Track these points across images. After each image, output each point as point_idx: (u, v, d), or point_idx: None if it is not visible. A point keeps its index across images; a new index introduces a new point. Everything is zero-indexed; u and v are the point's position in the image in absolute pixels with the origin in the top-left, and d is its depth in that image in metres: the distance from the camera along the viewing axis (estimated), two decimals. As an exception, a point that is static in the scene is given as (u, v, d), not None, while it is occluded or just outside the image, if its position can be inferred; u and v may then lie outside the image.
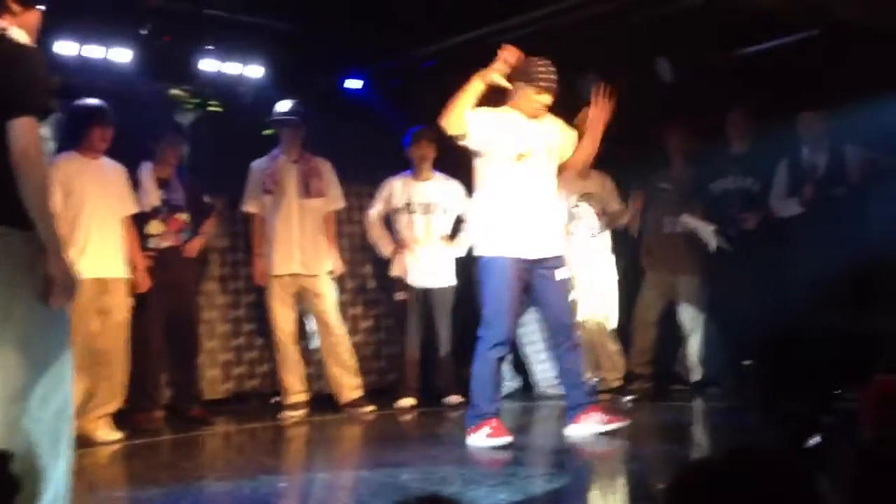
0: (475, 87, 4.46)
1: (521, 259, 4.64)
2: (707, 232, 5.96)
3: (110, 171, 5.24)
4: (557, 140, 4.76)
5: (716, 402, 5.94)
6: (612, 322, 6.25)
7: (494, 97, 4.66)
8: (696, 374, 6.28)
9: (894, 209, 5.04)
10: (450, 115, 4.50)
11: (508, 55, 4.46)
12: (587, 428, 4.73)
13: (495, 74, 4.47)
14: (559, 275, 4.72)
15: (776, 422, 3.85)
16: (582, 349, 5.04)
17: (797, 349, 4.59)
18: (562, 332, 4.78)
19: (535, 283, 4.74)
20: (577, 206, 6.17)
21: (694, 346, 6.28)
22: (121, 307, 5.16)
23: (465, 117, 4.51)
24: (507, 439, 4.60)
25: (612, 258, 6.32)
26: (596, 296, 6.21)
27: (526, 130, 4.66)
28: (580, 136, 4.78)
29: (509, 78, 4.54)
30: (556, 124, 4.79)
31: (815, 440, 3.15)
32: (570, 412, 4.81)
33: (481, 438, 4.60)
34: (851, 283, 5.08)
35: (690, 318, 6.28)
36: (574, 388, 4.81)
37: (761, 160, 5.85)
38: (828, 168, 5.58)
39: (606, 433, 4.70)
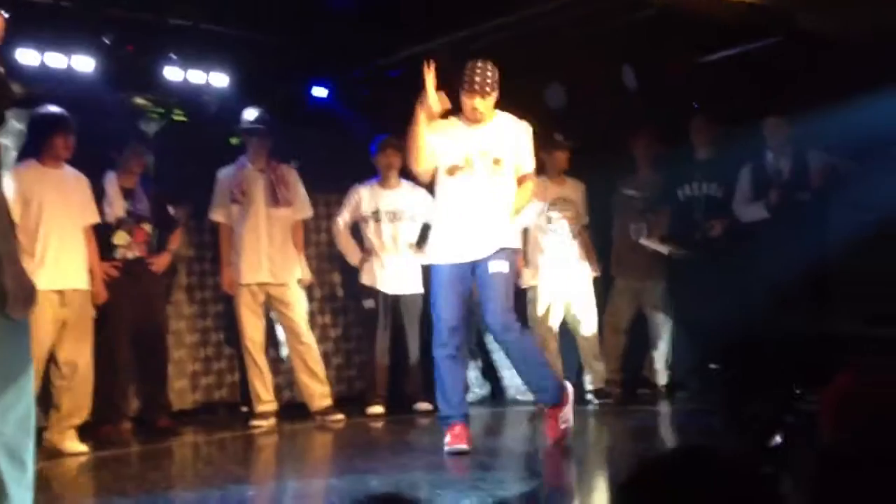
0: (422, 121, 4.46)
1: (457, 265, 4.59)
2: (664, 252, 6.02)
3: (72, 181, 5.17)
4: (501, 140, 4.63)
5: (683, 405, 6.00)
6: (589, 327, 6.24)
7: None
8: (664, 379, 6.34)
9: (853, 213, 5.13)
10: (415, 158, 4.53)
11: (426, 76, 4.42)
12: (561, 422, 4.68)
13: (430, 100, 4.43)
14: (493, 267, 4.57)
15: (739, 423, 3.90)
16: (534, 339, 5.01)
17: (761, 352, 4.65)
18: (498, 325, 4.61)
19: (477, 282, 4.68)
20: (550, 211, 6.17)
21: (662, 350, 6.34)
22: (83, 319, 5.09)
23: (427, 152, 4.52)
24: (462, 447, 4.55)
25: (586, 264, 6.28)
26: (571, 301, 6.21)
27: (463, 141, 4.60)
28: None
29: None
30: (501, 124, 4.65)
31: (776, 441, 3.19)
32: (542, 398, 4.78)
33: (445, 445, 4.61)
34: (813, 285, 5.15)
35: (658, 324, 6.33)
36: (537, 379, 4.73)
37: (726, 166, 5.92)
38: (791, 173, 5.65)
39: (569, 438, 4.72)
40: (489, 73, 4.50)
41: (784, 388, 4.01)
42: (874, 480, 2.19)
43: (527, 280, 6.11)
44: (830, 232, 5.33)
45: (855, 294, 5.03)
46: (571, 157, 6.22)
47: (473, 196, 4.60)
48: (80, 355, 5.06)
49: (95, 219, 5.29)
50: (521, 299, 5.70)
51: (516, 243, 4.86)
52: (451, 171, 4.60)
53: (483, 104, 4.54)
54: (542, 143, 5.50)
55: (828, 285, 5.19)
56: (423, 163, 4.56)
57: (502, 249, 4.62)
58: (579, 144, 6.19)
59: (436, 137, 4.56)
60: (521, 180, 4.69)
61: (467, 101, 4.55)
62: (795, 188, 5.55)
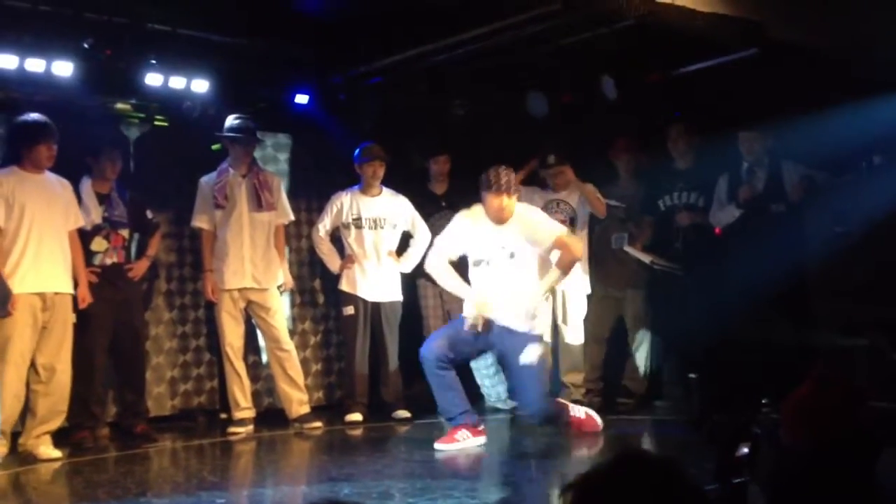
0: None
1: None
2: (646, 261, 6.01)
3: (55, 186, 5.17)
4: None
5: (662, 415, 6.00)
6: (573, 338, 6.22)
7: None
8: (643, 388, 6.34)
9: (828, 225, 5.15)
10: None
11: None
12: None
13: None
14: None
15: (709, 432, 3.92)
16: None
17: (735, 362, 4.66)
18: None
19: None
20: None
21: (641, 359, 6.34)
22: (63, 323, 5.07)
23: None
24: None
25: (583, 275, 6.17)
26: (557, 311, 6.19)
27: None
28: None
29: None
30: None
31: (743, 451, 3.22)
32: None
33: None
34: (789, 296, 5.17)
35: (638, 332, 6.33)
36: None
37: (706, 176, 5.94)
38: (767, 184, 5.66)
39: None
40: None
41: (753, 399, 4.03)
42: (823, 480, 2.22)
43: None
44: (806, 243, 5.34)
45: (830, 305, 5.04)
46: (566, 172, 6.17)
47: None
48: (58, 360, 5.05)
49: (80, 223, 5.29)
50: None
51: None
52: None
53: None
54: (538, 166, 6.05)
55: (804, 296, 5.20)
56: None
57: None
58: (570, 158, 6.16)
59: None
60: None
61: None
62: (771, 200, 5.57)
